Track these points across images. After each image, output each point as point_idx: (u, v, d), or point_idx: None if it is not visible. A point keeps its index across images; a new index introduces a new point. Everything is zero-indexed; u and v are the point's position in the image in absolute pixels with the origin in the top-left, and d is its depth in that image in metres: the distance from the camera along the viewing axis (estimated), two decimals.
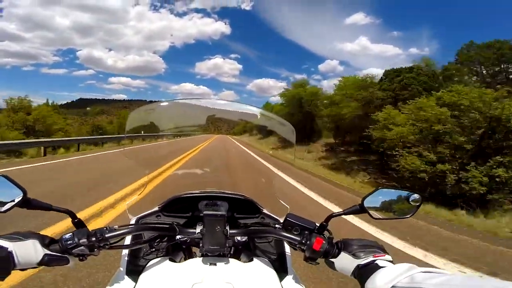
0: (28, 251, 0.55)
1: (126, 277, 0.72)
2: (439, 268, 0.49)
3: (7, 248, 0.53)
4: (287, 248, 0.82)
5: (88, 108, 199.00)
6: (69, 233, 0.61)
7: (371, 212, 0.69)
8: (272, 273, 0.69)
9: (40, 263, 0.57)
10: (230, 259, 0.68)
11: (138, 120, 0.98)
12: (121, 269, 0.75)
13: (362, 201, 0.68)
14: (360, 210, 0.69)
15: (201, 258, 0.68)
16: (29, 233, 0.58)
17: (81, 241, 0.59)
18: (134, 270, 0.73)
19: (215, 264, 0.65)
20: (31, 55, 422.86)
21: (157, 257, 0.74)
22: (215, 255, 0.69)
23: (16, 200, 0.59)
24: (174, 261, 0.71)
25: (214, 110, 0.90)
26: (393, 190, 0.71)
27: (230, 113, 0.96)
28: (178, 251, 0.79)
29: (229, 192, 0.89)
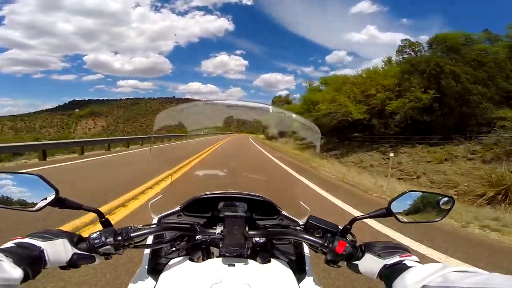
0: (58, 250, 0.59)
1: (147, 275, 0.76)
2: (473, 268, 0.48)
3: (40, 247, 0.56)
4: (306, 249, 0.85)
5: (76, 110, 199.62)
6: (96, 232, 0.65)
7: (398, 215, 0.70)
8: (290, 274, 0.71)
9: (69, 262, 0.61)
10: (248, 260, 0.71)
11: (164, 121, 1.05)
12: (143, 267, 0.79)
13: (389, 204, 0.70)
14: (386, 213, 0.70)
15: (220, 258, 0.71)
16: (59, 232, 0.62)
17: (108, 240, 0.64)
18: (155, 269, 0.78)
19: (234, 265, 0.68)
20: (40, 62, 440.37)
21: (178, 256, 0.78)
22: (233, 255, 0.72)
23: (49, 199, 0.63)
24: (193, 261, 0.75)
25: (233, 111, 0.96)
26: (422, 193, 0.72)
27: (248, 114, 1.00)
28: (197, 250, 0.83)
29: (248, 193, 0.93)
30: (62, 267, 0.62)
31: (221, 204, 0.90)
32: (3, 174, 0.64)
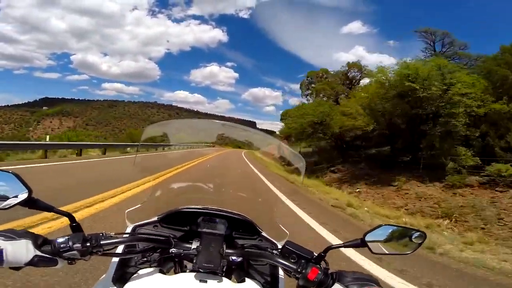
0: (19, 250, 0.58)
1: (111, 284, 0.74)
2: None
3: None
4: (281, 272, 0.86)
5: (44, 108, 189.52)
6: (64, 236, 0.64)
7: (371, 246, 0.74)
8: None
9: (29, 263, 0.59)
10: (222, 277, 0.71)
11: (152, 132, 1.09)
12: (109, 275, 0.77)
13: (364, 235, 0.74)
14: (360, 244, 0.74)
15: (193, 273, 0.70)
16: (24, 232, 0.61)
17: (75, 245, 0.63)
18: (122, 278, 0.76)
19: (206, 281, 0.67)
20: (25, 58, 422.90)
21: (147, 267, 0.77)
22: (207, 272, 0.72)
23: (21, 199, 0.63)
24: (164, 273, 0.75)
25: (226, 130, 1.01)
26: (396, 226, 0.77)
27: (241, 137, 1.06)
28: (169, 262, 0.83)
29: (230, 211, 0.93)
30: (12, 268, 0.60)
31: (200, 219, 0.90)
32: None
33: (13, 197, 0.63)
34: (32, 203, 0.64)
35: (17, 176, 0.63)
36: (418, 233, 0.75)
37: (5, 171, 0.64)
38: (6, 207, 0.63)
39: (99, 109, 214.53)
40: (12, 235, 0.59)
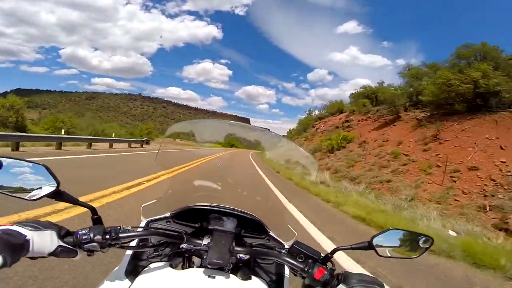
0: (44, 241, 0.60)
1: (124, 276, 0.77)
2: None
3: (26, 236, 0.56)
4: (287, 271, 0.90)
5: None
6: (85, 228, 0.66)
7: (378, 249, 0.79)
8: None
9: (52, 254, 0.62)
10: (229, 274, 0.75)
11: (176, 129, 1.17)
12: (121, 267, 0.80)
13: (372, 238, 0.78)
14: (368, 246, 0.78)
15: (202, 269, 0.74)
16: (49, 223, 0.63)
17: (95, 237, 0.65)
18: (133, 271, 0.79)
19: (214, 277, 0.71)
20: (12, 52, 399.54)
21: (158, 261, 0.81)
22: (215, 268, 0.75)
23: (48, 191, 0.65)
24: (173, 268, 0.78)
25: (234, 129, 1.08)
26: (404, 231, 0.81)
27: (248, 134, 1.12)
28: (178, 257, 0.86)
29: (240, 210, 0.96)
30: (30, 257, 0.61)
31: (211, 217, 0.93)
32: (9, 159, 0.64)
33: (42, 188, 0.65)
34: (59, 195, 0.66)
35: (47, 168, 0.66)
36: (425, 237, 0.80)
37: (37, 163, 0.66)
38: (35, 197, 0.65)
39: (75, 101, 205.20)
40: (38, 225, 0.60)
